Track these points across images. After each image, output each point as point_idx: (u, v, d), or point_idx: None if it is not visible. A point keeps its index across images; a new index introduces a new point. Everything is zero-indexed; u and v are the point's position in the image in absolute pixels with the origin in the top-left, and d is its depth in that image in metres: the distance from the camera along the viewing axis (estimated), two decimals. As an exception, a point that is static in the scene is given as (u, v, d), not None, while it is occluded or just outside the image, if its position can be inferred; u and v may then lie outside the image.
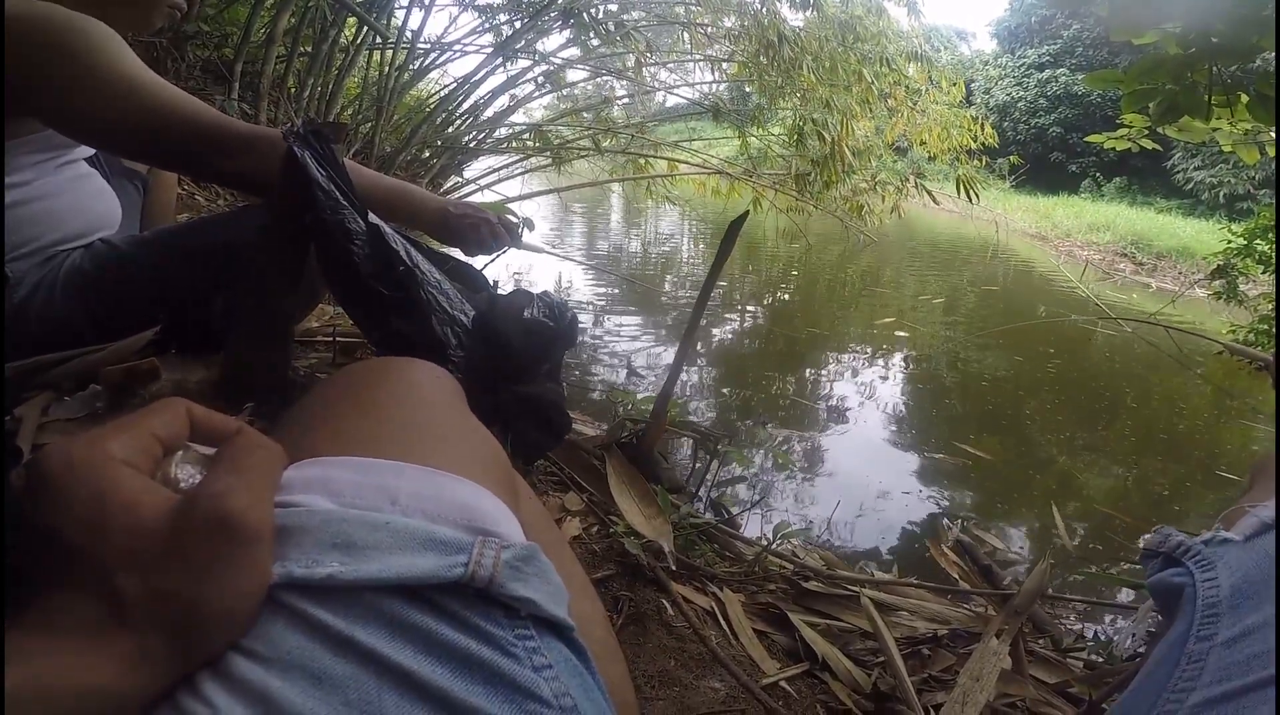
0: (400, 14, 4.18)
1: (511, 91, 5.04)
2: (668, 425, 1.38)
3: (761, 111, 5.42)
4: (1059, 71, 20.42)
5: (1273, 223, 5.81)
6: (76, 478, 0.26)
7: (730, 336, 4.75)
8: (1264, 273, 6.11)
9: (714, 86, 6.07)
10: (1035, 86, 20.69)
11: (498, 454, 0.42)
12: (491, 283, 1.08)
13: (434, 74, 5.08)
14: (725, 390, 3.56)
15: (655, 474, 1.32)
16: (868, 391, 3.73)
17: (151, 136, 0.80)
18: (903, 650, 1.04)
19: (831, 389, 3.84)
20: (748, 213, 1.42)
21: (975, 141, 6.39)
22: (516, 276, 4.96)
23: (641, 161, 5.48)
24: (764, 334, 4.90)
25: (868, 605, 1.06)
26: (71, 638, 0.24)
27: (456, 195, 4.48)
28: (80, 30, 0.75)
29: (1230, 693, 0.36)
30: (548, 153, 5.09)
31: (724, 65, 5.54)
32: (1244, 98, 1.39)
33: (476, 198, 4.68)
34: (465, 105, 4.85)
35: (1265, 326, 5.19)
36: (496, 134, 5.34)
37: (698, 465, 1.53)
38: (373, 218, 0.85)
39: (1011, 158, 13.12)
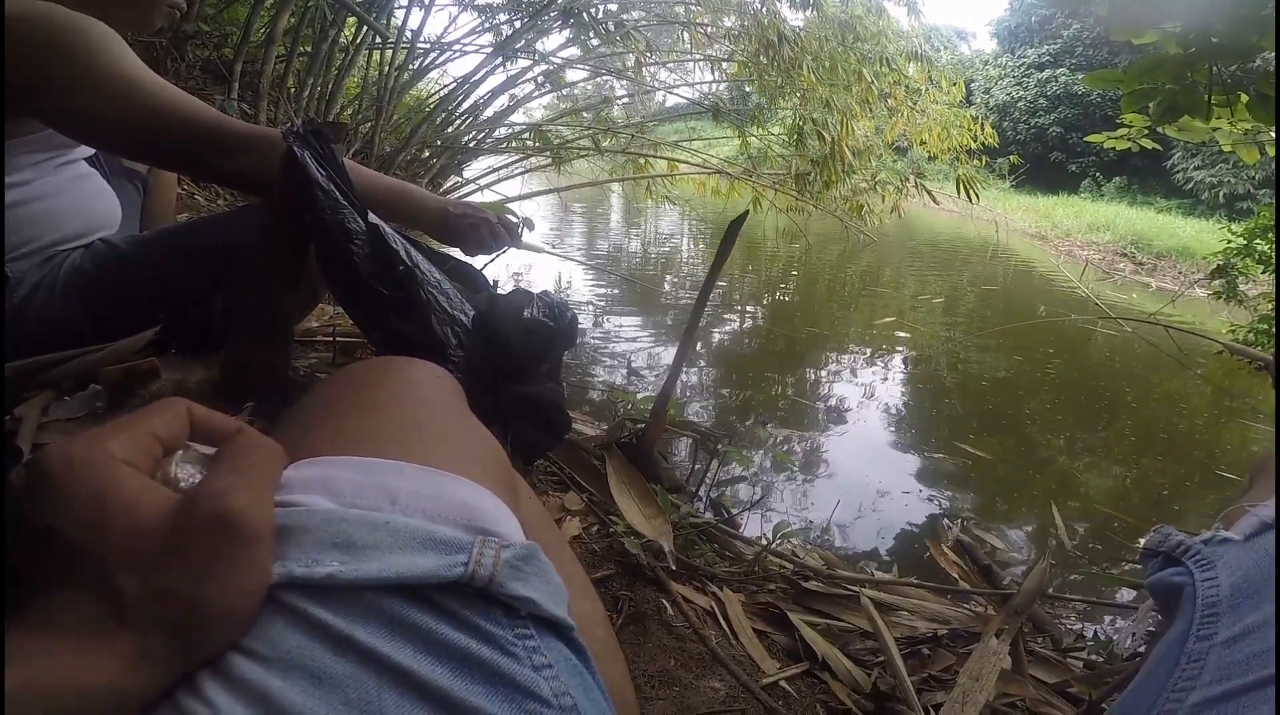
0: (400, 14, 4.19)
1: (511, 91, 5.05)
2: (668, 425, 1.38)
3: (761, 111, 5.42)
4: (1059, 71, 20.42)
5: (1273, 222, 5.80)
6: (76, 477, 0.26)
7: (730, 336, 4.75)
8: (1264, 272, 6.10)
9: (714, 86, 6.08)
10: (1035, 86, 20.70)
11: (498, 454, 0.42)
12: (491, 282, 1.08)
13: (434, 74, 5.09)
14: (725, 390, 3.56)
15: (655, 474, 1.32)
16: (867, 391, 3.73)
17: (151, 136, 0.80)
18: (902, 650, 1.04)
19: (831, 389, 3.84)
20: (747, 212, 1.41)
21: (975, 141, 6.39)
22: (516, 276, 4.95)
23: (641, 161, 5.48)
24: (764, 334, 4.89)
25: (867, 605, 1.06)
26: (72, 637, 0.24)
27: (456, 195, 4.48)
28: (80, 30, 0.75)
29: (1230, 692, 0.36)
30: (547, 152, 5.08)
31: (724, 65, 5.55)
32: (1244, 97, 1.40)
33: (476, 197, 4.68)
34: (465, 105, 4.85)
35: (1265, 326, 5.19)
36: (496, 134, 5.34)
37: (697, 465, 1.53)
38: (372, 217, 0.85)
39: (1011, 157, 13.16)
